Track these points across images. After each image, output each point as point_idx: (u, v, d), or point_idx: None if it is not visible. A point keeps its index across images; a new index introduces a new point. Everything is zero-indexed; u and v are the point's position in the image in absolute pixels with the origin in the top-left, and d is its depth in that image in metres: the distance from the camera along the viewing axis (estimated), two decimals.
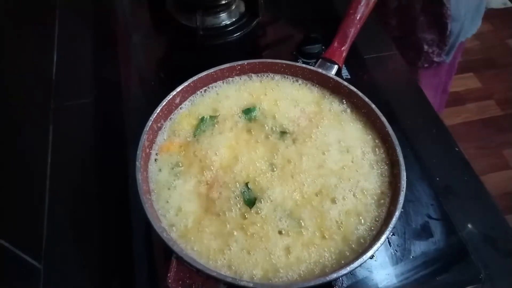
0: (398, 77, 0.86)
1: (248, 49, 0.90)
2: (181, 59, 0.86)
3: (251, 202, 0.51)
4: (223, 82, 0.64)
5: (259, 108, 0.61)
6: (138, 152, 0.52)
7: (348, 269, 0.44)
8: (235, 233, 0.49)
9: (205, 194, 0.53)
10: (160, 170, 0.55)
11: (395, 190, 0.52)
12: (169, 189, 0.53)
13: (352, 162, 0.56)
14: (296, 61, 0.80)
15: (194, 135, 0.58)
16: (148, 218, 0.47)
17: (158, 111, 0.57)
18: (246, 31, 0.90)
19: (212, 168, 0.55)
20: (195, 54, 0.86)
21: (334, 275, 0.44)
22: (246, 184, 0.53)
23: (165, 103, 0.58)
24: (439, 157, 0.70)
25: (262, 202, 0.52)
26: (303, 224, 0.50)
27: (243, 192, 0.52)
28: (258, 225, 0.50)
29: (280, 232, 0.50)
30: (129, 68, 0.86)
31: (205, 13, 0.88)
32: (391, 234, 0.59)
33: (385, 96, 0.80)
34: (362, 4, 0.68)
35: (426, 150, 0.73)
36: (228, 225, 0.50)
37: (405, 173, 0.52)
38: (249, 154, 0.56)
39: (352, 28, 0.67)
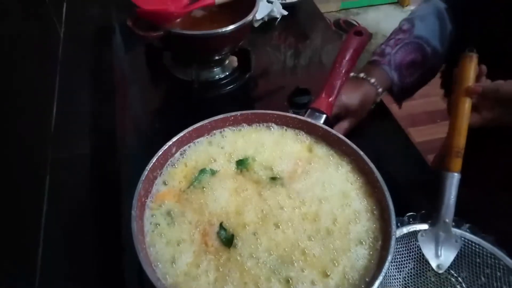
0: (384, 124, 0.89)
1: (241, 101, 0.95)
2: (177, 111, 0.89)
3: (228, 241, 0.52)
4: (217, 132, 0.67)
5: (252, 157, 0.63)
6: (134, 201, 0.53)
7: None
8: (231, 281, 0.49)
9: (199, 242, 0.53)
10: (155, 219, 0.56)
11: (385, 234, 0.53)
12: (164, 238, 0.54)
13: (342, 207, 0.57)
14: (287, 111, 0.84)
15: (190, 185, 0.60)
16: (143, 267, 0.47)
17: (154, 161, 0.59)
18: (239, 84, 0.95)
19: (207, 217, 0.56)
20: (191, 106, 0.90)
21: None
22: (221, 224, 0.54)
23: (161, 153, 0.60)
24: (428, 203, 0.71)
25: (255, 249, 0.52)
26: (295, 272, 0.50)
27: (219, 232, 0.53)
28: (254, 273, 0.50)
29: (273, 280, 0.50)
30: (126, 119, 0.89)
31: (200, 67, 0.93)
32: None
33: (373, 142, 0.83)
34: (346, 59, 0.73)
35: (416, 196, 0.75)
36: (223, 274, 0.50)
37: (394, 218, 0.54)
38: (243, 203, 0.57)
39: (338, 80, 0.72)
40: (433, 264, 0.62)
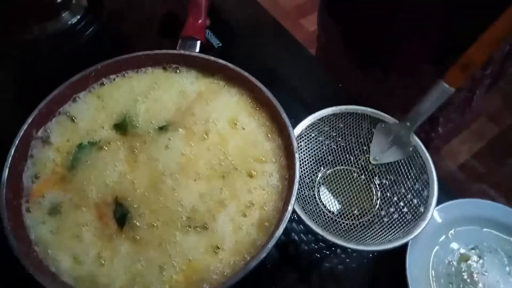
0: (269, 32, 0.84)
1: (108, 45, 0.80)
2: (32, 81, 0.74)
3: (121, 219, 0.47)
4: (81, 95, 0.56)
5: (131, 115, 0.55)
6: (2, 213, 0.44)
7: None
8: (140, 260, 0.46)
9: (98, 226, 0.47)
10: (38, 219, 0.47)
11: (288, 150, 0.52)
12: (53, 234, 0.46)
13: (240, 136, 0.54)
14: (162, 43, 0.74)
15: (70, 167, 0.51)
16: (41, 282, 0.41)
17: (12, 154, 0.48)
18: (97, 26, 0.80)
19: (100, 197, 0.49)
20: (46, 70, 0.74)
21: (253, 263, 0.43)
22: (115, 200, 0.48)
23: (18, 141, 0.49)
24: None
25: (156, 216, 0.48)
26: (209, 220, 0.48)
27: (115, 210, 0.48)
28: (163, 243, 0.46)
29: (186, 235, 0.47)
30: None
31: (41, 18, 0.76)
32: None
33: (261, 57, 0.78)
34: None
35: (313, 99, 0.73)
36: (129, 254, 0.46)
37: (293, 133, 0.52)
38: (135, 168, 0.51)
39: None
40: (372, 154, 0.62)
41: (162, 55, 0.59)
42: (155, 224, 0.47)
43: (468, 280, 0.57)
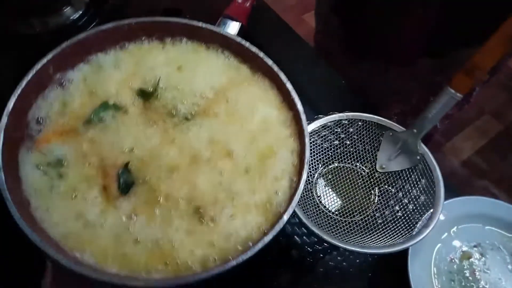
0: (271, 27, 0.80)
1: None
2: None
3: (126, 187, 0.45)
4: (111, 50, 0.53)
5: (156, 85, 0.52)
6: None
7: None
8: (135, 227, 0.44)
9: (96, 187, 0.46)
10: (38, 168, 0.45)
11: (301, 159, 0.50)
12: (52, 190, 0.45)
13: (268, 134, 0.52)
14: None
15: (86, 121, 0.49)
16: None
17: (23, 86, 0.45)
18: (100, 21, 0.76)
19: (105, 158, 0.47)
20: None
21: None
22: (126, 164, 0.46)
23: (33, 74, 0.46)
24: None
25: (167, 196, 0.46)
26: (211, 214, 0.46)
27: (121, 174, 0.46)
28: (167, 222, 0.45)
29: (195, 222, 0.45)
30: None
31: (43, 13, 0.72)
32: None
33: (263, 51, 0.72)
34: None
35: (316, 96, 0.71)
36: (123, 223, 0.44)
37: (308, 140, 0.50)
38: (150, 142, 0.49)
39: None
40: (378, 162, 0.61)
41: (196, 27, 0.55)
42: (156, 201, 0.46)
43: (470, 277, 0.58)
